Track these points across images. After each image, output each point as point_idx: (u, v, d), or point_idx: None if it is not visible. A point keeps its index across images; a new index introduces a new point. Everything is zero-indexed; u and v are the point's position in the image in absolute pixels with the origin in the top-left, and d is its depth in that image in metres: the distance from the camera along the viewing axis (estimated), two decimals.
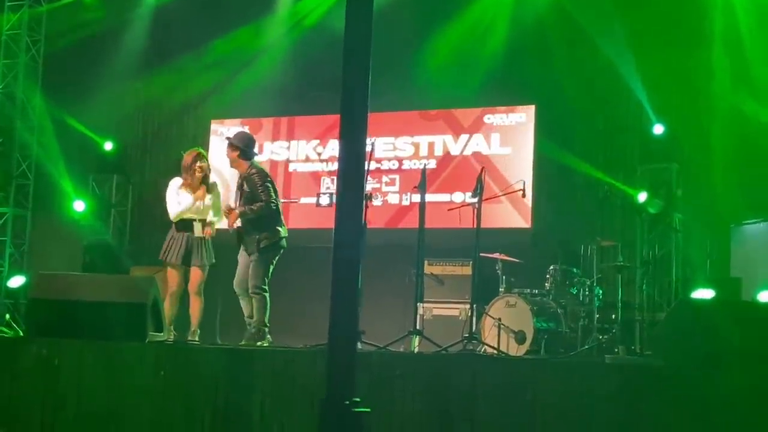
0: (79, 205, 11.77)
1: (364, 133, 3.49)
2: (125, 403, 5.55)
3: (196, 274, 7.51)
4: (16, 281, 11.60)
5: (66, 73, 12.15)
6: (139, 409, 5.52)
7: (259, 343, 7.20)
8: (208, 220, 7.61)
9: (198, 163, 7.58)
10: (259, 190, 7.47)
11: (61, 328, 6.01)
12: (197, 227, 7.56)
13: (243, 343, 7.26)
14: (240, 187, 7.58)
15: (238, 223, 7.50)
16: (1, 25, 12.23)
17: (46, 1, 12.40)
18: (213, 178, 7.81)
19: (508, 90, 10.55)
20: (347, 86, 3.44)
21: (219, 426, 5.37)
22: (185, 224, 7.55)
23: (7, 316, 7.68)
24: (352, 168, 3.48)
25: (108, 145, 12.06)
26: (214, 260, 7.67)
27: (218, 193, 7.73)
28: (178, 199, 7.57)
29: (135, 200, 12.47)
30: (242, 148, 7.62)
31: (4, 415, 5.66)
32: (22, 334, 6.42)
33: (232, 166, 7.74)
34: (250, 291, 7.42)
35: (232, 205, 7.58)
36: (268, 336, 7.37)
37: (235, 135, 7.83)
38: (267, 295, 7.42)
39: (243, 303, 7.53)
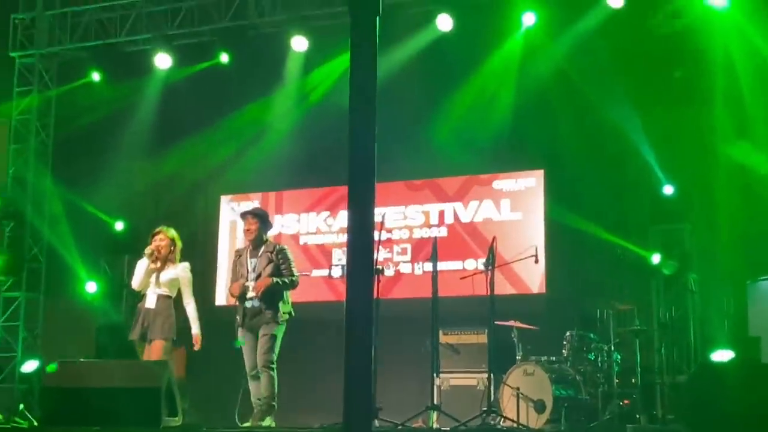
0: (91, 287, 11.77)
1: (372, 203, 3.44)
2: None
3: (153, 349, 7.43)
4: (30, 366, 11.56)
5: (76, 156, 12.26)
6: None
7: (267, 421, 7.12)
8: (192, 333, 7.58)
9: (156, 237, 7.67)
10: (291, 266, 7.62)
11: (75, 416, 5.95)
12: (150, 298, 7.54)
13: (255, 423, 7.14)
14: (270, 259, 7.59)
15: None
16: (11, 111, 12.39)
17: (55, 86, 12.58)
18: (181, 268, 7.71)
19: (516, 155, 10.58)
20: (354, 156, 3.40)
21: None
22: (143, 297, 7.61)
23: (21, 406, 7.63)
24: (362, 238, 3.43)
25: (119, 226, 12.09)
26: (174, 336, 7.56)
27: (185, 275, 7.66)
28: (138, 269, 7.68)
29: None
30: (267, 220, 7.86)
31: None
32: (36, 423, 6.35)
33: (248, 238, 7.72)
34: (262, 366, 7.35)
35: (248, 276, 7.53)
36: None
37: (258, 208, 8.06)
38: (276, 371, 7.38)
39: (253, 385, 7.46)
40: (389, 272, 10.53)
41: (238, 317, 7.60)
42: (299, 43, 11.17)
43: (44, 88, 12.52)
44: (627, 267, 8.96)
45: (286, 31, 11.26)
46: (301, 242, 11.68)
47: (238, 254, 7.85)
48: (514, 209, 10.64)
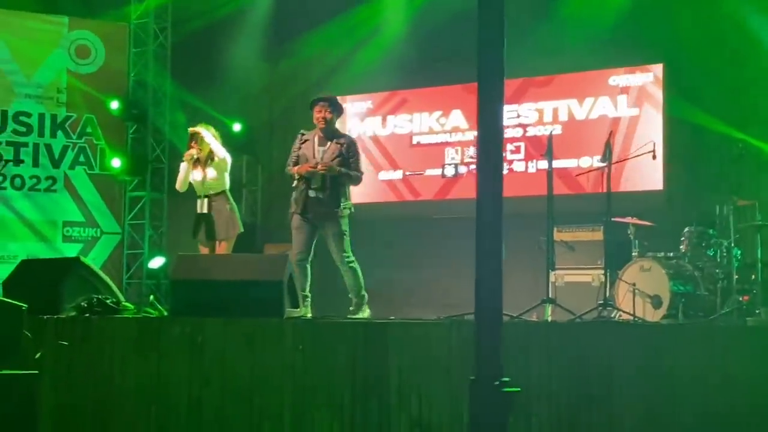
0: None
1: (501, 100, 3.45)
2: (267, 378, 5.71)
3: (220, 249, 7.73)
4: (157, 262, 12.09)
5: (193, 58, 12.49)
6: (280, 384, 5.66)
7: (366, 312, 7.24)
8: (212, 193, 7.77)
9: (193, 141, 7.88)
10: (359, 160, 7.47)
11: (203, 307, 6.20)
12: (201, 203, 7.78)
13: (352, 316, 7.23)
14: (340, 152, 7.38)
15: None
16: (130, 15, 12.66)
17: None
18: (222, 153, 7.88)
19: (634, 50, 10.29)
20: (483, 55, 3.39)
21: (359, 398, 5.47)
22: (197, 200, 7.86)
23: (151, 297, 8.00)
24: (491, 136, 3.45)
25: (237, 127, 12.34)
26: (240, 229, 7.84)
27: (222, 165, 7.85)
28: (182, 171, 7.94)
29: (265, 180, 12.76)
30: (339, 106, 7.63)
31: (155, 391, 5.90)
32: (165, 314, 6.66)
33: (319, 126, 7.46)
34: (342, 264, 7.35)
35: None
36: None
37: (330, 95, 7.75)
38: (357, 263, 7.41)
39: (300, 274, 7.29)
40: (503, 170, 10.50)
41: (294, 203, 7.43)
42: None
43: None
44: (748, 162, 8.68)
45: None
46: (414, 141, 11.72)
47: (304, 139, 7.52)
48: (632, 105, 10.41)
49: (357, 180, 7.51)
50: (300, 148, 7.49)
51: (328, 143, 7.44)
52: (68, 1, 12.49)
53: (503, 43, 3.34)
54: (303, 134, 7.58)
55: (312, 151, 7.42)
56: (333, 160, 7.36)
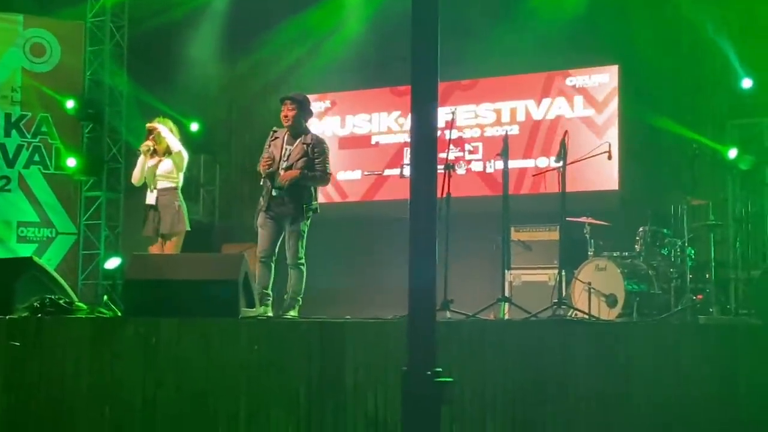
0: None
1: (434, 102, 3.47)
2: (222, 379, 5.67)
3: (168, 245, 7.73)
4: (112, 263, 11.97)
5: (150, 57, 12.39)
6: (236, 383, 5.63)
7: (291, 314, 7.16)
8: (162, 186, 7.76)
9: (150, 136, 7.90)
10: (325, 161, 7.37)
11: (157, 307, 6.16)
12: (148, 195, 7.81)
13: (280, 314, 7.17)
14: (305, 151, 7.32)
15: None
16: (86, 13, 12.53)
17: None
18: (178, 147, 7.87)
19: (590, 51, 10.39)
20: (416, 55, 3.41)
21: (315, 397, 5.45)
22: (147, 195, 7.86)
23: (105, 297, 7.92)
24: (424, 138, 3.47)
25: (194, 126, 12.26)
26: (186, 227, 7.81)
27: (176, 157, 7.84)
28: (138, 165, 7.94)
29: (223, 179, 12.69)
30: (306, 106, 7.51)
31: (109, 391, 5.85)
32: (119, 314, 6.60)
33: (286, 124, 7.39)
34: (291, 262, 7.27)
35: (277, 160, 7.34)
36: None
37: (299, 94, 7.61)
38: (306, 266, 7.37)
39: (263, 272, 7.31)
40: (461, 170, 10.53)
41: (261, 200, 7.39)
42: None
43: None
44: (702, 162, 8.80)
45: None
46: (373, 141, 11.73)
47: (274, 137, 7.47)
48: (587, 106, 10.50)
49: (322, 180, 7.48)
50: (270, 145, 7.45)
51: (295, 142, 7.39)
52: None
53: (436, 42, 3.35)
54: (275, 131, 7.52)
55: (280, 149, 7.37)
56: (298, 159, 7.32)
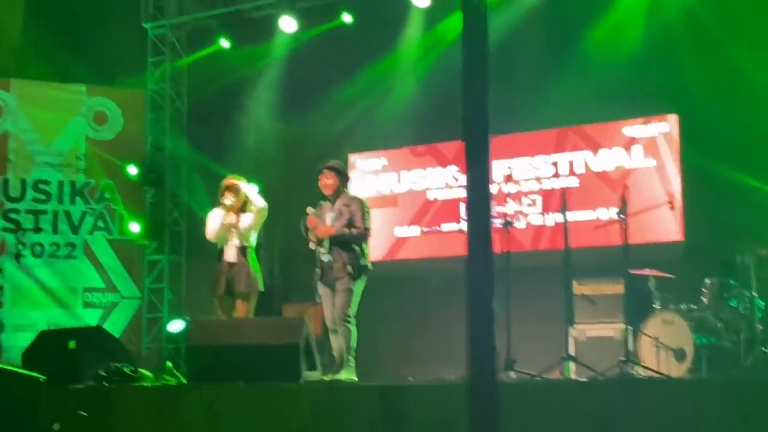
0: None
1: (486, 158, 3.43)
2: None
3: (241, 305, 7.62)
4: (176, 326, 12.07)
5: (209, 121, 12.61)
6: None
7: (345, 374, 7.14)
8: (237, 244, 7.67)
9: (227, 192, 7.84)
10: (363, 217, 7.47)
11: (220, 372, 6.20)
12: (229, 251, 7.69)
13: (332, 377, 7.15)
14: (341, 211, 7.50)
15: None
16: (146, 81, 12.83)
17: (186, 54, 12.94)
18: (261, 202, 7.91)
19: (647, 100, 10.27)
20: (467, 112, 3.39)
21: None
22: (221, 251, 7.73)
23: (169, 363, 7.99)
24: (478, 193, 3.42)
25: (253, 188, 12.35)
26: (261, 288, 7.73)
27: (259, 213, 7.83)
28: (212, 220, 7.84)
29: (281, 240, 12.76)
30: (344, 173, 7.73)
31: None
32: (183, 381, 6.64)
33: (326, 192, 7.64)
34: (338, 320, 7.30)
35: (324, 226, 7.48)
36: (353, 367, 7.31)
37: (336, 162, 7.84)
38: (355, 324, 7.34)
39: (332, 338, 7.44)
40: (520, 224, 10.47)
41: (317, 270, 7.53)
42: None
43: (176, 57, 12.91)
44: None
45: None
46: (430, 197, 11.71)
47: (321, 208, 7.70)
48: (647, 155, 10.37)
49: (360, 237, 7.52)
50: (317, 216, 7.62)
51: (336, 207, 7.56)
52: (86, 70, 12.66)
53: (486, 100, 3.32)
54: (321, 204, 7.74)
55: (324, 219, 7.55)
56: (334, 222, 7.45)
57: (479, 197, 3.35)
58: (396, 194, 11.81)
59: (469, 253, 3.20)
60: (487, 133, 3.24)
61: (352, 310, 7.36)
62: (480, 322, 3.20)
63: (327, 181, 7.59)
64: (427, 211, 11.65)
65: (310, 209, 7.56)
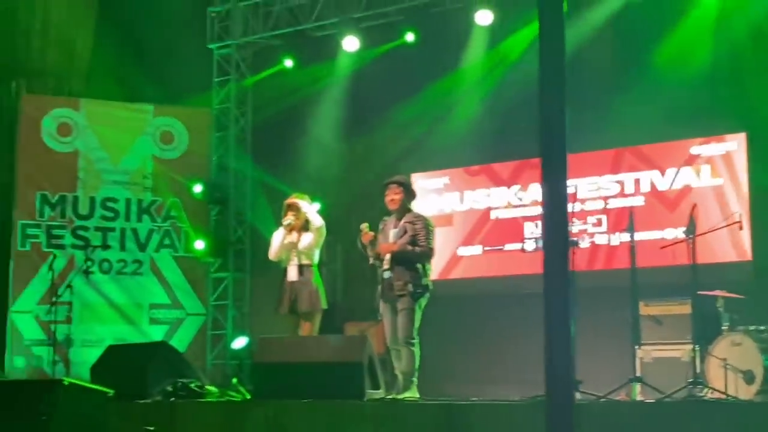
0: None
1: (564, 175, 3.41)
2: None
3: (305, 323, 7.63)
4: (240, 342, 12.18)
5: (273, 140, 12.74)
6: None
7: (408, 394, 7.10)
8: (300, 263, 7.69)
9: (289, 212, 7.90)
10: (428, 235, 7.44)
11: (284, 389, 6.23)
12: (291, 271, 7.69)
13: (396, 395, 7.10)
14: (406, 229, 7.45)
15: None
16: (212, 101, 13.02)
17: (251, 74, 13.11)
18: (319, 222, 7.91)
19: (715, 119, 10.11)
20: (545, 127, 3.38)
21: None
22: (284, 270, 7.79)
23: (234, 380, 8.06)
24: (556, 211, 3.40)
25: (316, 206, 12.44)
26: (324, 305, 7.73)
27: (317, 232, 7.83)
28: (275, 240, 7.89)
29: (344, 258, 12.81)
30: (410, 189, 7.69)
31: None
32: (248, 397, 6.69)
33: (392, 207, 7.60)
34: (402, 342, 7.25)
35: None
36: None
37: (402, 177, 7.85)
38: (418, 345, 7.29)
39: (394, 356, 7.41)
40: (584, 244, 10.37)
41: (378, 288, 7.52)
42: (484, 17, 11.13)
43: (241, 77, 13.08)
44: None
45: (470, 5, 11.25)
46: (492, 216, 11.66)
47: (383, 224, 7.69)
48: (715, 175, 10.21)
49: (423, 255, 7.48)
50: (380, 232, 7.61)
51: (400, 224, 7.52)
52: (153, 90, 12.89)
53: (564, 119, 3.31)
54: (384, 220, 7.73)
55: (387, 234, 7.53)
56: (398, 239, 7.40)
57: (556, 215, 3.32)
58: (452, 213, 11.79)
59: (546, 272, 3.18)
60: (564, 150, 3.23)
61: (415, 330, 7.34)
62: (558, 341, 3.18)
63: (394, 197, 7.56)
64: (489, 230, 11.60)
65: (364, 225, 7.57)
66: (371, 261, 7.58)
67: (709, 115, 10.10)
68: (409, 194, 7.66)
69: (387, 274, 7.40)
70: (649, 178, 10.64)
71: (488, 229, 11.62)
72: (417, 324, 7.34)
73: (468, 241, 11.70)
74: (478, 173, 11.83)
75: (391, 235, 7.51)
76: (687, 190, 10.30)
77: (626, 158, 10.87)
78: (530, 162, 11.18)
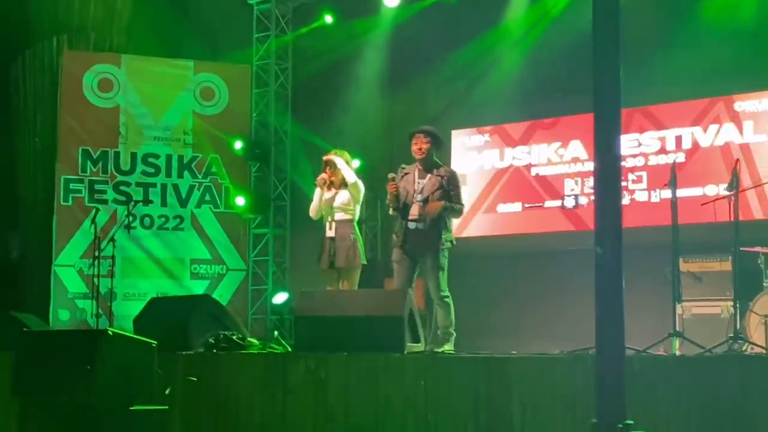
0: None
1: (618, 132, 3.41)
2: (390, 414, 5.72)
3: (344, 278, 7.69)
4: (280, 298, 12.31)
5: (313, 97, 12.75)
6: (402, 420, 5.66)
7: (447, 347, 7.13)
8: (339, 218, 7.71)
9: (327, 168, 7.87)
10: (460, 192, 7.40)
11: (325, 342, 6.28)
12: (329, 227, 7.74)
13: (436, 349, 7.13)
14: (440, 184, 7.31)
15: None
16: (252, 57, 13.03)
17: (291, 30, 13.09)
18: (353, 178, 7.85)
19: (758, 74, 9.98)
20: (599, 85, 3.37)
21: None
22: (325, 226, 7.81)
23: (276, 333, 8.14)
24: (609, 166, 3.41)
25: (355, 163, 12.47)
26: (363, 260, 7.75)
27: (353, 187, 7.80)
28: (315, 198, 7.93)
29: (384, 215, 12.84)
30: (439, 139, 7.57)
31: (280, 428, 5.99)
32: (290, 350, 6.76)
33: (418, 157, 7.43)
34: (437, 297, 7.27)
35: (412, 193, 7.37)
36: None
37: (430, 126, 7.68)
38: (450, 298, 7.32)
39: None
40: (625, 200, 10.31)
41: (395, 236, 7.43)
42: None
43: (281, 33, 13.07)
44: None
45: None
46: (533, 173, 11.63)
47: (404, 173, 7.51)
48: (758, 131, 10.09)
49: (459, 213, 7.49)
50: (401, 180, 7.49)
51: (428, 175, 7.40)
52: (193, 46, 12.93)
53: (618, 74, 3.30)
54: (403, 168, 7.60)
55: (412, 183, 7.40)
56: (433, 192, 7.32)
57: (609, 173, 3.33)
58: (492, 170, 11.77)
59: (598, 231, 3.19)
60: (619, 106, 3.22)
61: (447, 284, 7.36)
62: (609, 299, 3.20)
63: (422, 146, 7.41)
64: (529, 187, 11.58)
65: (392, 175, 7.51)
66: (390, 210, 7.55)
67: (752, 71, 9.96)
68: (437, 143, 7.54)
69: (413, 225, 7.33)
70: (690, 134, 10.54)
71: (528, 186, 11.59)
72: (447, 279, 7.36)
73: (508, 198, 11.69)
74: (518, 130, 11.78)
75: (419, 184, 7.38)
76: (729, 145, 10.19)
77: (667, 114, 10.77)
78: (572, 119, 11.11)
